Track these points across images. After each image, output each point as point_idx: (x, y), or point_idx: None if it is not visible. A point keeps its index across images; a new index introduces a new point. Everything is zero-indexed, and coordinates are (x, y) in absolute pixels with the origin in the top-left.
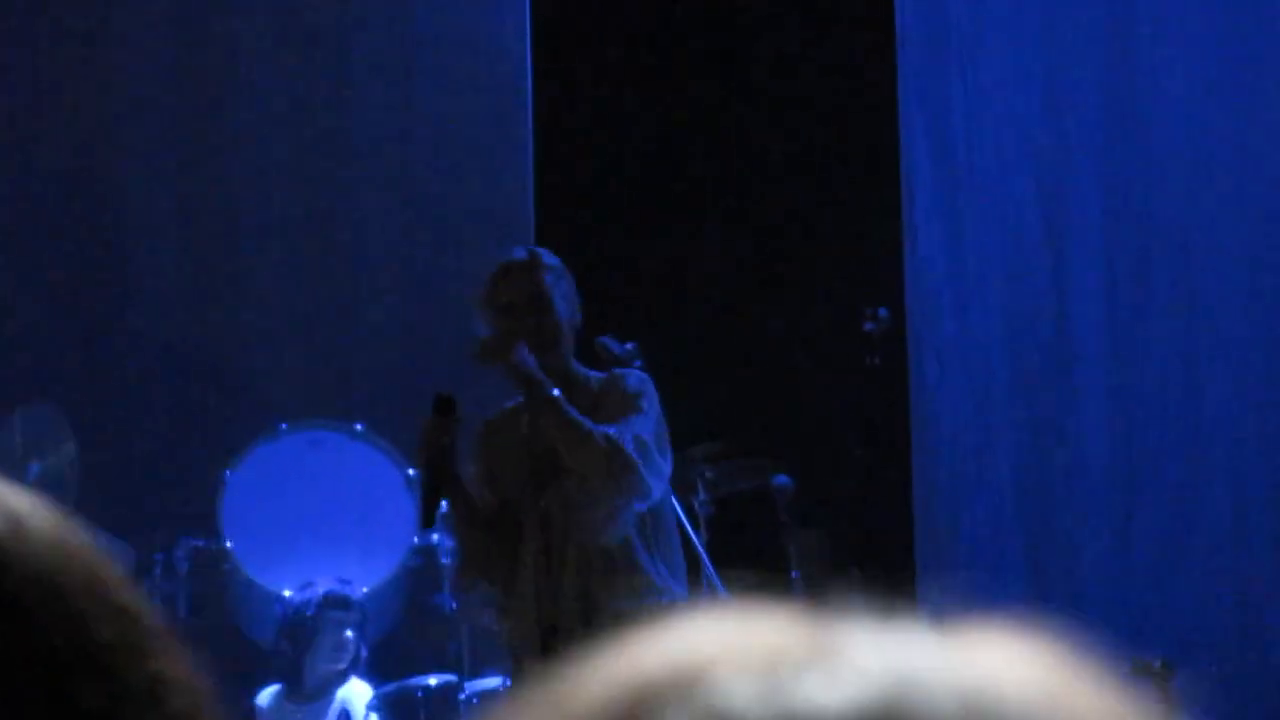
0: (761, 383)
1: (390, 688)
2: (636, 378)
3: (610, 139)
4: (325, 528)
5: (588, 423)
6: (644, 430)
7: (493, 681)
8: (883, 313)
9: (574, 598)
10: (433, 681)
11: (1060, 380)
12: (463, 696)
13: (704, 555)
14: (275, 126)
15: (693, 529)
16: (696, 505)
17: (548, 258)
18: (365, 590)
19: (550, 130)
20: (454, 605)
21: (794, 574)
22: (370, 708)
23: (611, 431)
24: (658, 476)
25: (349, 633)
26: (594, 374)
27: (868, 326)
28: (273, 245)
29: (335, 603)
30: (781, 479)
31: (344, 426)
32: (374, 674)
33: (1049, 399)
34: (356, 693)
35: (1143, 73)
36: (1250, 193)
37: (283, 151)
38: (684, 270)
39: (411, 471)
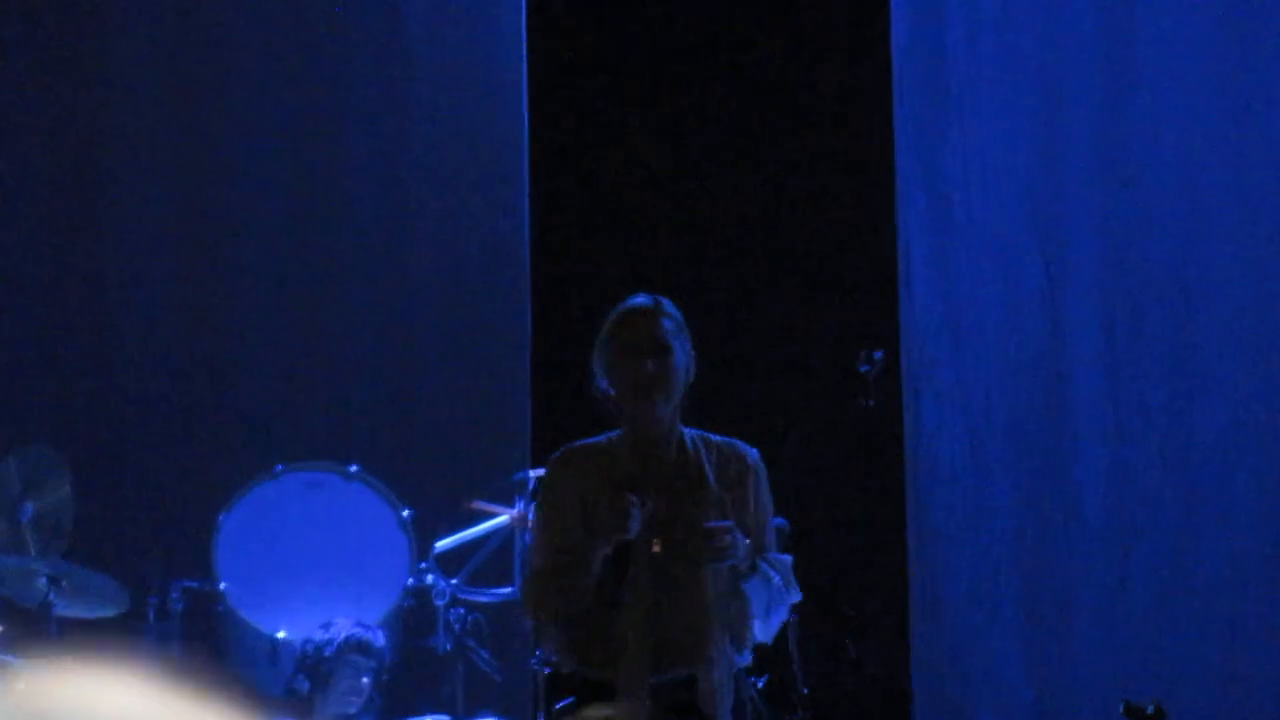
0: (756, 424)
1: None
2: (759, 458)
3: (608, 169)
4: (320, 569)
5: (772, 576)
6: (772, 525)
7: None
8: (878, 355)
9: (686, 660)
10: None
11: (1057, 425)
12: None
13: None
14: (269, 155)
15: None
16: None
17: (670, 306)
18: (384, 637)
19: (549, 159)
20: (448, 646)
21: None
22: None
23: (777, 575)
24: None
25: (365, 678)
26: (693, 432)
27: (863, 369)
28: (266, 289)
29: (356, 647)
30: (777, 520)
31: (338, 468)
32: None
33: (1046, 444)
34: None
35: (1138, 119)
36: (1247, 240)
37: (280, 173)
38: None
39: (406, 512)
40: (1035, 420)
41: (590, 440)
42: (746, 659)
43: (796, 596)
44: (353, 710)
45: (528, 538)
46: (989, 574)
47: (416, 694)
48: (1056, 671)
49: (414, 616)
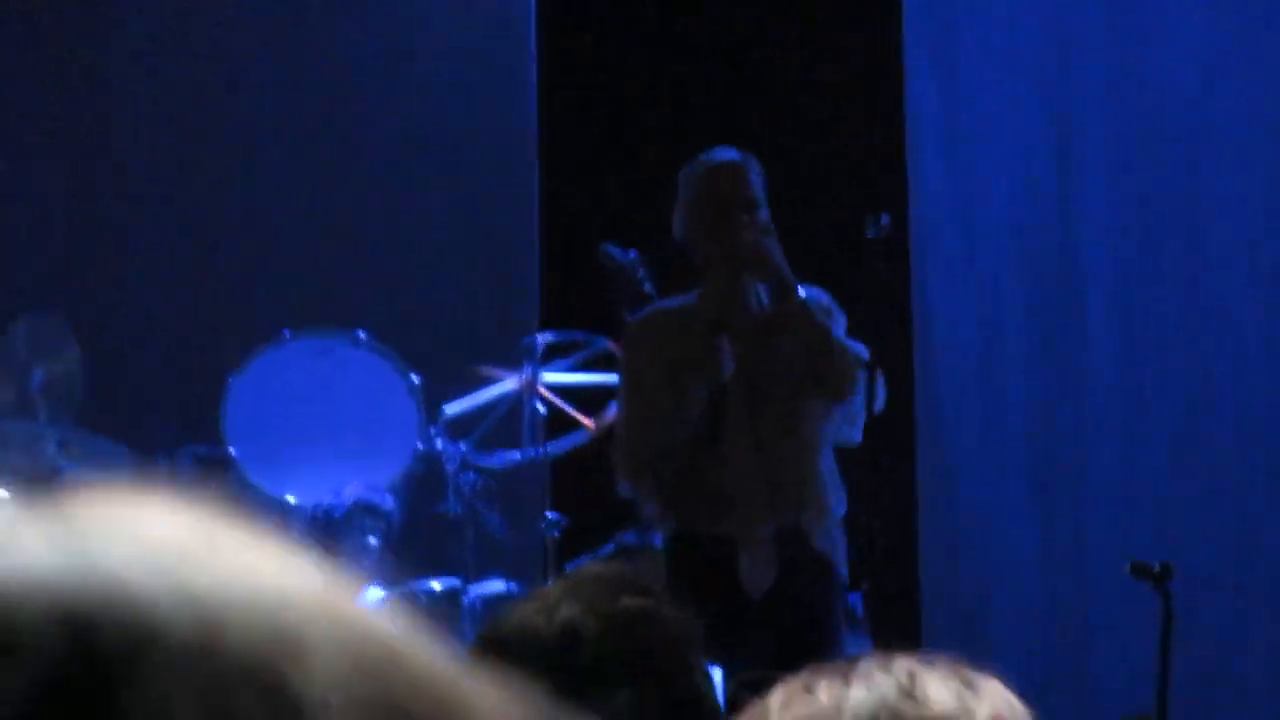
0: None
1: (394, 592)
2: (825, 295)
3: (614, 54)
4: (329, 435)
5: (834, 333)
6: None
7: (496, 585)
8: (885, 219)
9: (798, 499)
10: (436, 586)
11: (1068, 298)
12: (466, 601)
13: None
14: (264, 40)
15: None
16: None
17: (756, 162)
18: (393, 500)
19: (557, 27)
20: (459, 510)
21: None
22: None
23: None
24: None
25: (373, 539)
26: (763, 288)
27: (871, 233)
28: (274, 154)
29: (363, 510)
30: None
31: (347, 334)
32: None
33: (1056, 318)
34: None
35: (1153, 10)
36: (1259, 112)
37: (286, 44)
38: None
39: (414, 378)
40: (1045, 293)
41: (670, 301)
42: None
43: (879, 395)
44: (362, 571)
45: (537, 402)
46: (995, 446)
47: (426, 558)
48: (1066, 538)
49: (423, 482)
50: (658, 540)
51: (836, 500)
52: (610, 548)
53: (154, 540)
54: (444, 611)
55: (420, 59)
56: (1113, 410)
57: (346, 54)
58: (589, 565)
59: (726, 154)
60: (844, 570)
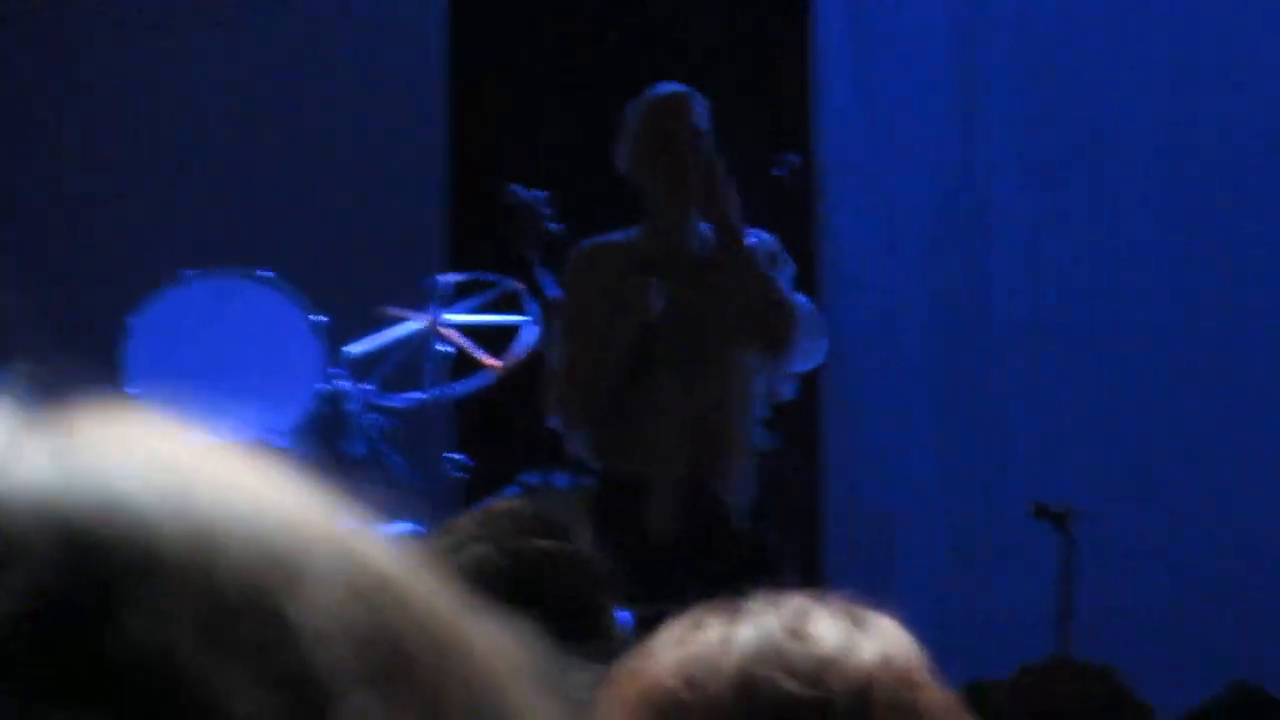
0: None
1: None
2: (775, 242)
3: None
4: (231, 375)
5: (781, 287)
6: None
7: (401, 528)
8: (794, 159)
9: (718, 446)
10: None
11: (973, 228)
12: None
13: None
14: None
15: None
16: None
17: (699, 96)
18: (288, 442)
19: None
20: (362, 452)
21: None
22: None
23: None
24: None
25: None
26: (707, 227)
27: (779, 172)
28: (178, 94)
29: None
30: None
31: (249, 273)
32: None
33: (961, 247)
34: None
35: None
36: (1165, 44)
37: None
38: (602, 124)
39: (318, 318)
40: (952, 230)
41: (614, 236)
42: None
43: (819, 349)
44: None
45: (441, 343)
46: (901, 379)
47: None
48: (970, 478)
49: (327, 422)
50: (560, 482)
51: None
52: (515, 489)
53: (158, 460)
54: None
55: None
56: (1016, 347)
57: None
58: (500, 502)
59: (671, 87)
60: (757, 518)
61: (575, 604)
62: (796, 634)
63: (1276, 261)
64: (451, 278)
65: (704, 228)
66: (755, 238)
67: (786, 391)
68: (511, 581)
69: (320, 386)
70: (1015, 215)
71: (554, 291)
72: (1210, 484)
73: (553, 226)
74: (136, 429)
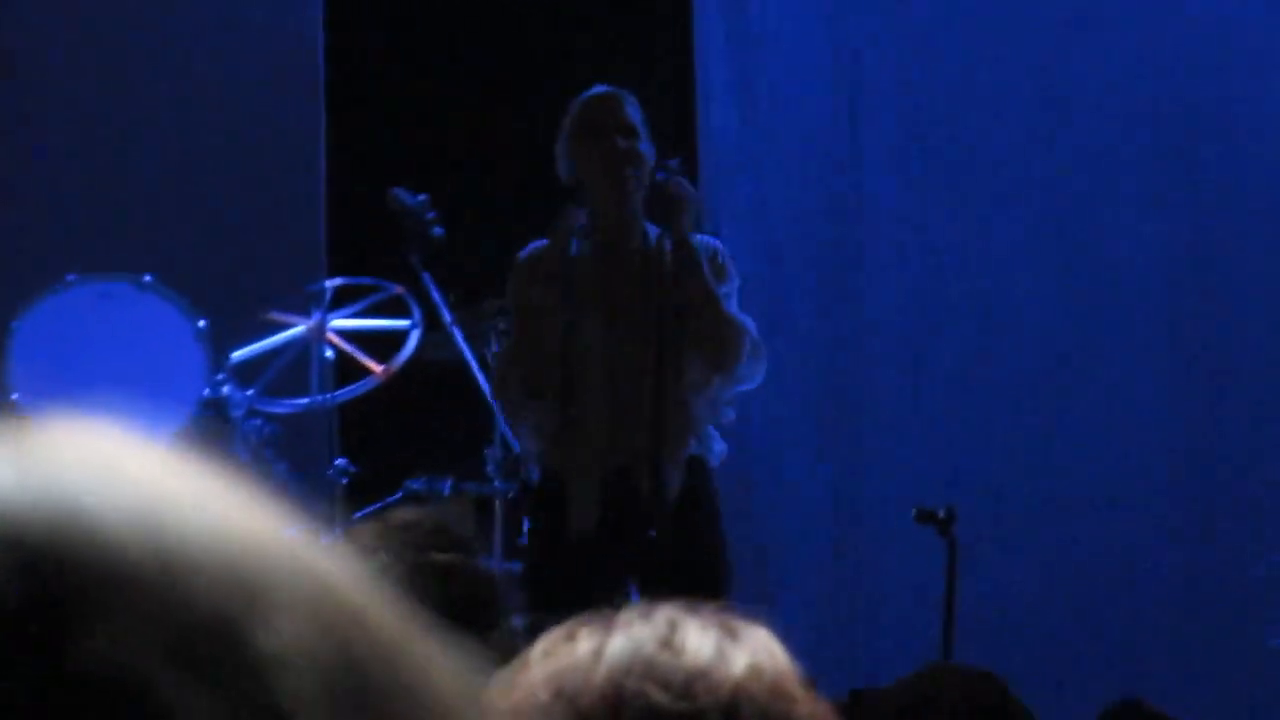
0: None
1: None
2: (722, 246)
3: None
4: (114, 381)
5: (726, 304)
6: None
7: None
8: (674, 162)
9: (646, 449)
10: None
11: (854, 236)
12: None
13: (496, 407)
14: None
15: (485, 380)
16: (490, 357)
17: (633, 98)
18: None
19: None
20: (245, 458)
21: None
22: None
23: (744, 319)
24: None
25: None
26: (652, 229)
27: (659, 176)
28: (59, 98)
29: None
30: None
31: (132, 278)
32: None
33: (842, 253)
34: None
35: None
36: (1036, 49)
37: None
38: (483, 127)
39: (201, 323)
40: (830, 230)
41: (539, 245)
42: (717, 448)
43: (758, 372)
44: None
45: (325, 348)
46: (778, 389)
47: None
48: (851, 479)
49: (210, 429)
50: (445, 487)
51: (697, 441)
52: (399, 495)
53: (125, 478)
54: None
55: (203, 1)
56: (895, 350)
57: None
58: (402, 511)
59: (602, 87)
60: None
61: (474, 618)
62: (667, 645)
63: (1149, 263)
64: (335, 282)
65: (651, 229)
66: (703, 242)
67: (727, 414)
68: (410, 594)
69: (204, 392)
70: (894, 219)
71: (437, 295)
72: (1089, 484)
73: (436, 231)
74: (105, 445)
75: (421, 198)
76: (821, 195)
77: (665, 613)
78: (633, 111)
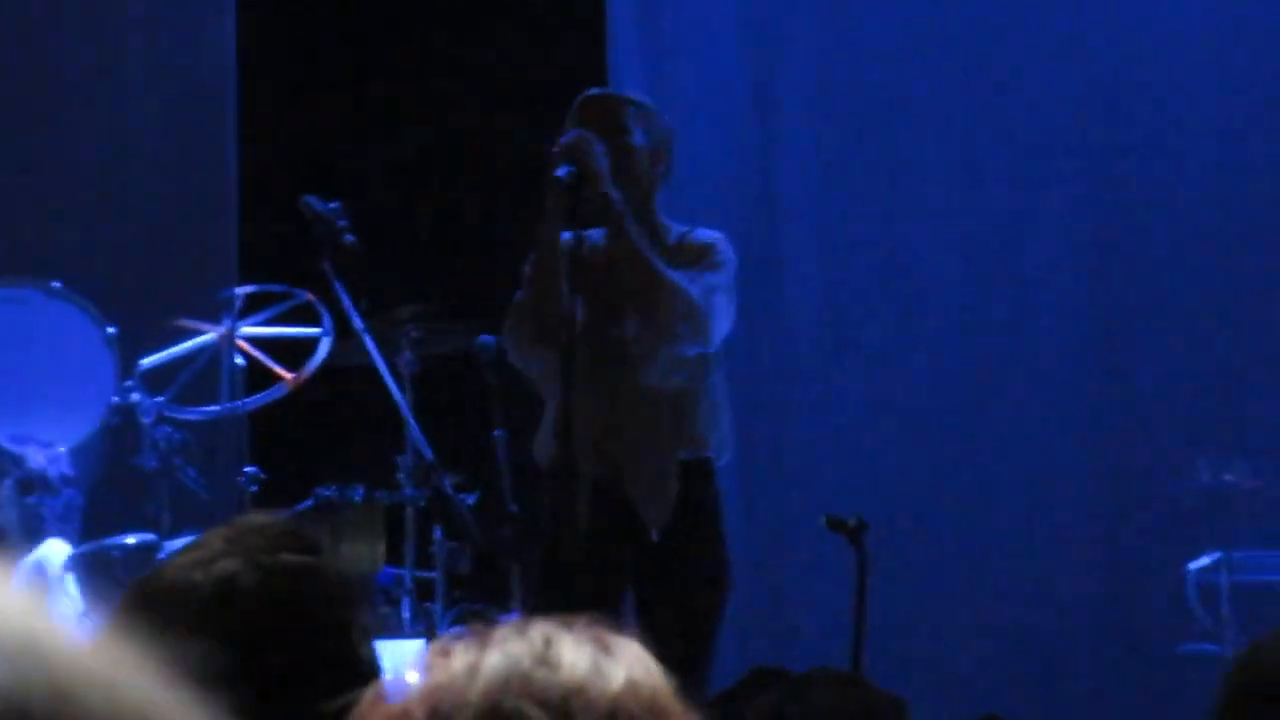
0: (464, 245)
1: (87, 548)
2: (718, 234)
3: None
4: (22, 387)
5: (656, 260)
6: (717, 280)
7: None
8: (565, 171)
9: (638, 437)
10: (131, 541)
11: (768, 241)
12: (161, 556)
13: (408, 414)
14: None
15: (397, 388)
16: (402, 365)
17: (632, 97)
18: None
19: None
20: (155, 465)
21: (497, 433)
22: (66, 567)
23: (678, 275)
24: (721, 326)
25: (65, 496)
26: (677, 226)
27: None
28: None
29: (24, 486)
30: (485, 338)
31: (40, 284)
32: (72, 534)
33: (757, 260)
34: (54, 551)
35: None
36: (958, 56)
37: None
38: (395, 135)
39: (110, 329)
40: (746, 239)
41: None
42: (717, 453)
43: (704, 326)
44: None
45: (236, 355)
46: None
47: (123, 514)
48: (766, 488)
49: (119, 435)
50: (356, 495)
51: (686, 445)
52: (309, 502)
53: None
54: (139, 568)
55: (120, 6)
56: (811, 360)
57: (44, 3)
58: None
59: (594, 90)
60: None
61: (327, 621)
62: (544, 661)
63: (1068, 269)
64: (245, 289)
65: (663, 219)
66: (699, 233)
67: (724, 458)
68: (262, 597)
69: (113, 399)
70: (809, 223)
71: (348, 302)
72: (1005, 493)
73: (347, 238)
74: None
75: (333, 205)
76: (734, 195)
77: (540, 628)
78: (617, 109)
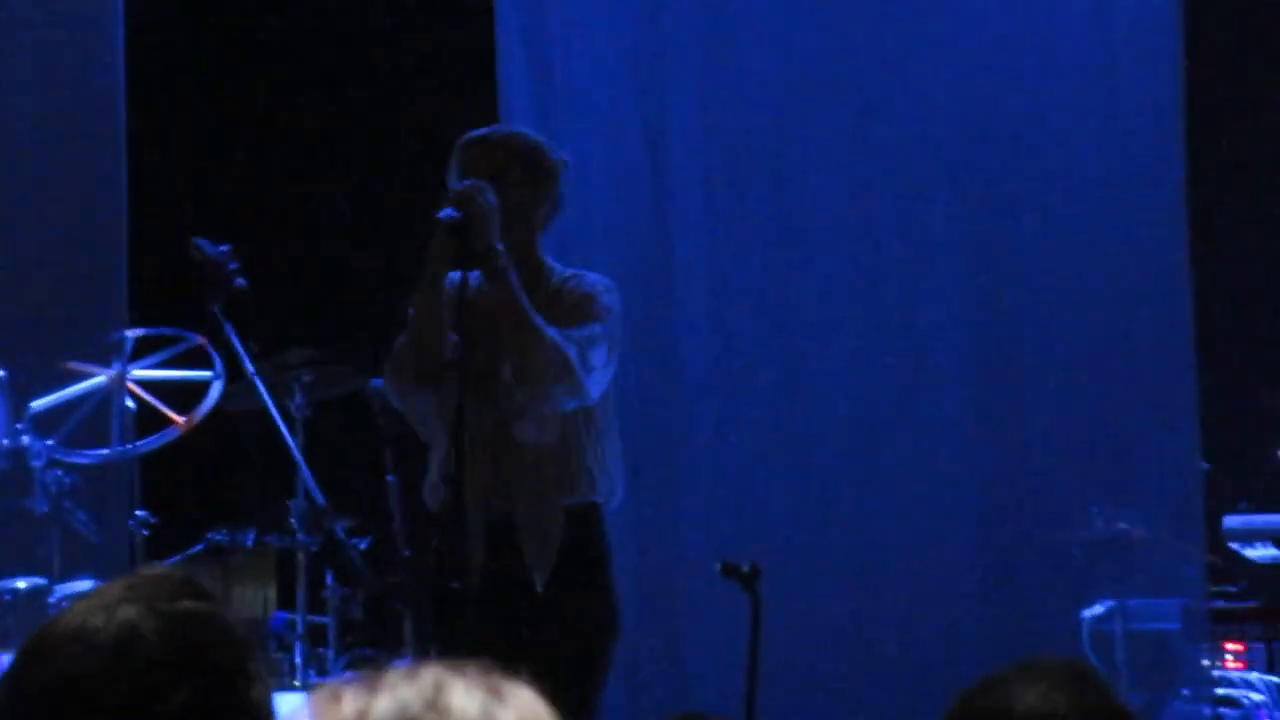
0: (356, 290)
1: None
2: (601, 281)
3: (204, 46)
4: None
5: (533, 315)
6: (594, 332)
7: (84, 585)
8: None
9: (523, 486)
10: (21, 585)
11: (661, 290)
12: (52, 600)
13: (299, 458)
14: None
15: (289, 433)
16: (293, 409)
17: (514, 137)
18: None
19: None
20: (45, 508)
21: (389, 478)
22: None
23: (553, 332)
24: (595, 381)
25: None
26: (560, 269)
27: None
28: None
29: None
30: (376, 382)
31: None
32: None
33: (649, 308)
34: None
35: None
36: (842, 106)
37: None
38: (285, 178)
39: (0, 372)
40: (638, 283)
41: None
42: (605, 498)
43: (579, 384)
44: None
45: (126, 399)
46: None
47: (12, 557)
48: (659, 532)
49: (9, 478)
50: (248, 539)
51: (571, 491)
52: (200, 546)
53: None
54: (29, 612)
55: (7, 47)
56: (703, 401)
57: None
58: (150, 566)
59: (473, 132)
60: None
61: (224, 667)
62: (433, 706)
63: (955, 315)
64: (136, 332)
65: (549, 261)
66: (584, 278)
67: (613, 502)
68: (161, 643)
69: (2, 442)
70: (701, 268)
71: (239, 346)
72: (896, 537)
73: (238, 281)
74: None
75: (224, 248)
76: (627, 243)
77: (431, 673)
78: (494, 156)
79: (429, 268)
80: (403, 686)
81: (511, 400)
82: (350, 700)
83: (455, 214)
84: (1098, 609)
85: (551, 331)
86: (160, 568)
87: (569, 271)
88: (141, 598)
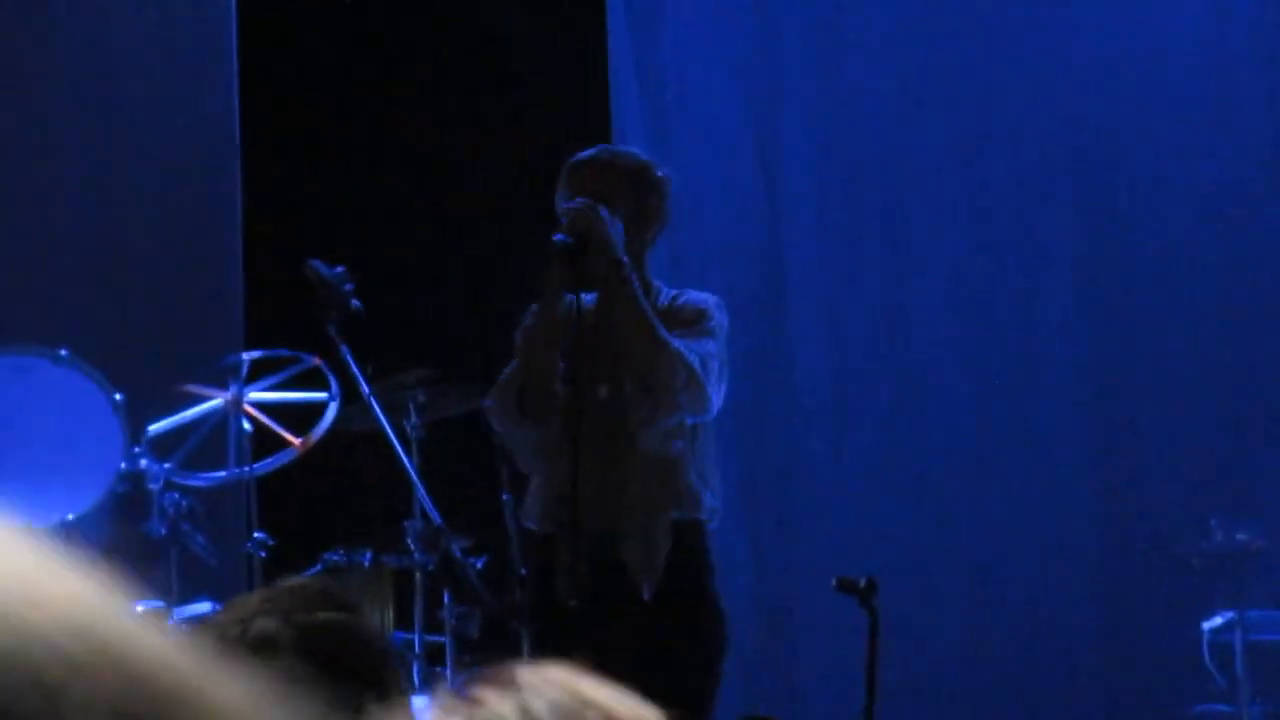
0: (471, 309)
1: None
2: (711, 298)
3: (316, 69)
4: (30, 455)
5: (660, 326)
6: (710, 348)
7: (202, 607)
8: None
9: (636, 503)
10: (140, 609)
11: (775, 305)
12: (170, 623)
13: (415, 478)
14: None
15: (404, 453)
16: (409, 429)
17: (620, 156)
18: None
19: (258, 30)
20: (163, 531)
21: (504, 497)
22: None
23: (679, 344)
24: (717, 394)
25: None
26: (667, 289)
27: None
28: None
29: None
30: (490, 402)
31: (48, 351)
32: None
33: (764, 324)
34: None
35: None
36: (955, 117)
37: None
38: (399, 199)
39: (118, 396)
40: (753, 302)
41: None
42: (709, 516)
43: (705, 396)
44: None
45: (243, 421)
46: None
47: (131, 581)
48: (776, 551)
49: (127, 502)
50: (365, 559)
51: (677, 506)
52: (318, 567)
53: None
54: None
55: (122, 74)
56: (820, 418)
57: (48, 64)
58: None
59: (582, 153)
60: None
61: (362, 678)
62: (582, 700)
63: (1074, 324)
64: (252, 355)
65: (654, 280)
66: (691, 296)
67: (715, 521)
68: (298, 654)
69: (120, 465)
70: (815, 287)
71: (355, 367)
72: (1013, 550)
73: (354, 302)
74: None
75: (339, 269)
76: (740, 254)
77: (555, 672)
78: (602, 177)
79: (545, 293)
80: (541, 685)
81: (636, 414)
82: (496, 701)
83: (568, 239)
84: (1217, 620)
85: (678, 343)
86: (300, 580)
87: (674, 290)
88: (279, 609)
